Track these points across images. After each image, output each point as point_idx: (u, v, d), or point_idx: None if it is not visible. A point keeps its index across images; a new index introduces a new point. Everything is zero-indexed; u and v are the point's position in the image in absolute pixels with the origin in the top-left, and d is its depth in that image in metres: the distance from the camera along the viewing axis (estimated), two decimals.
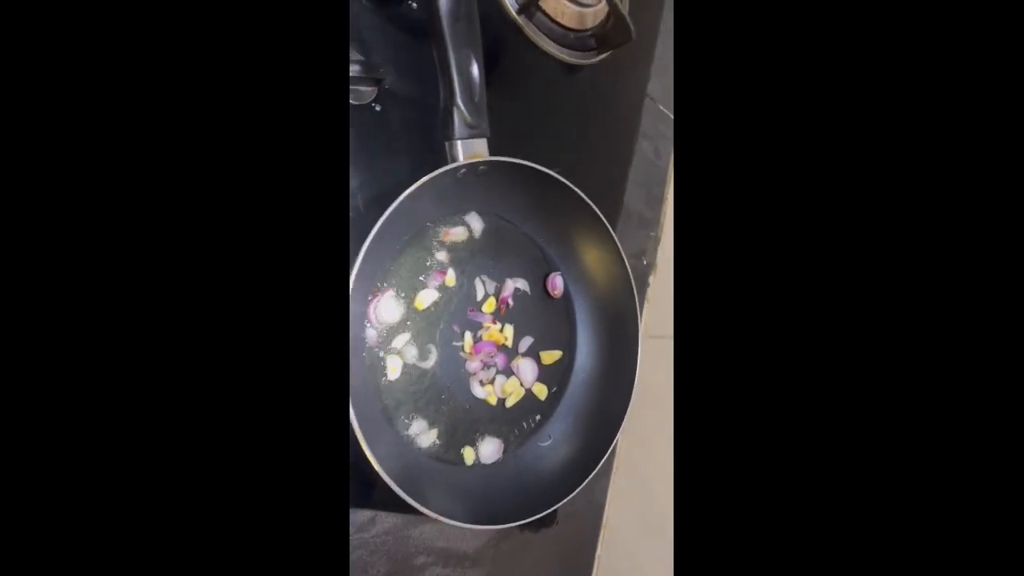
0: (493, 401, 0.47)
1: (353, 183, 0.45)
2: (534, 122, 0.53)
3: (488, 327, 0.47)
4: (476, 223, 0.48)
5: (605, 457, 0.47)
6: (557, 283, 0.51)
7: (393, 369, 0.43)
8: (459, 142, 0.40)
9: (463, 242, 0.47)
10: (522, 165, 0.43)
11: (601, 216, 0.47)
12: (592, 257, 0.50)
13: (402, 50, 0.45)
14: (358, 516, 0.43)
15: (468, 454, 0.46)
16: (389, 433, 0.43)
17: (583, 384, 0.51)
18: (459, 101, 0.39)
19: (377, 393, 0.43)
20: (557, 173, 0.45)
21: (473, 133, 0.41)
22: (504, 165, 0.43)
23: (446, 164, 0.41)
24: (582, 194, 0.46)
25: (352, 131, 0.44)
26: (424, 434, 0.44)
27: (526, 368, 0.48)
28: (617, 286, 0.49)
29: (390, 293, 0.43)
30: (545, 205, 0.48)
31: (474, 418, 0.46)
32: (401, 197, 0.38)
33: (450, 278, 0.45)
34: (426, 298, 0.44)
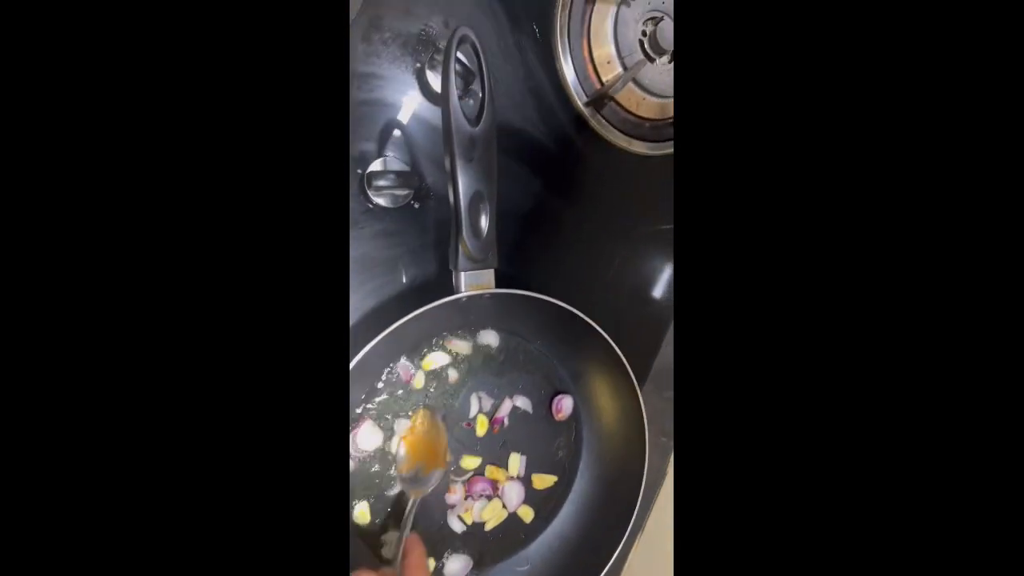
0: (469, 521, 0.46)
1: (376, 284, 0.44)
2: (595, 221, 0.49)
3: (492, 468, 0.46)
4: (490, 338, 0.45)
5: None
6: (563, 405, 0.47)
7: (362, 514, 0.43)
8: (463, 273, 0.38)
9: (465, 355, 0.45)
10: (531, 297, 0.40)
11: (625, 364, 0.43)
12: (606, 394, 0.46)
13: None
14: None
15: (430, 565, 0.45)
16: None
17: (576, 514, 0.48)
18: (464, 236, 0.37)
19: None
20: (582, 310, 0.41)
21: (477, 266, 0.38)
22: (511, 297, 0.40)
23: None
24: (605, 335, 0.42)
25: (383, 229, 0.44)
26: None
27: (512, 491, 0.46)
28: (631, 431, 0.45)
29: (368, 423, 0.42)
30: (560, 332, 0.44)
31: (445, 535, 0.45)
32: (393, 326, 0.37)
33: (418, 380, 0.43)
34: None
